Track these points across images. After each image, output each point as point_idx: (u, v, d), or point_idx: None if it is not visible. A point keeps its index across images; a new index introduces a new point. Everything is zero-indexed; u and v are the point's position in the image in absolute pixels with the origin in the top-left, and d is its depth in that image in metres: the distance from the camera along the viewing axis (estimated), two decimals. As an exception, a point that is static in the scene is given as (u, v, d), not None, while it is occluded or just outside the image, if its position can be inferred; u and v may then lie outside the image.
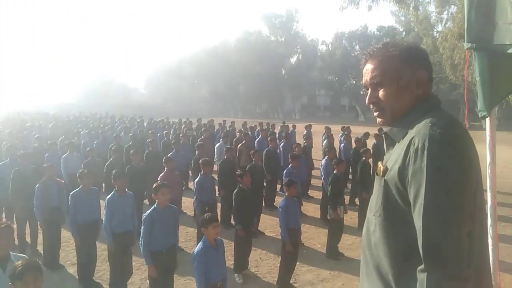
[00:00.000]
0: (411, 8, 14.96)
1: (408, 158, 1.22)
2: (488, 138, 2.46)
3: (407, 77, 1.36)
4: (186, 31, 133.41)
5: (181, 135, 12.44)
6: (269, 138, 10.12)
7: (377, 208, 1.35)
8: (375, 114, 1.46)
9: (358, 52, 47.95)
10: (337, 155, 9.91)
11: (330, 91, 51.80)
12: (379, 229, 1.33)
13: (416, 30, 37.40)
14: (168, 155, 7.68)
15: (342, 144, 11.48)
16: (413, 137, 1.24)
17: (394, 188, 1.28)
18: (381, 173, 1.35)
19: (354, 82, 48.99)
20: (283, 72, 50.33)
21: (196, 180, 6.48)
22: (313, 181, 10.69)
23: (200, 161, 6.86)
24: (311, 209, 8.67)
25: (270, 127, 15.58)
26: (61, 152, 8.83)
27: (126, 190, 5.04)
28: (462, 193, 1.17)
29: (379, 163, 1.42)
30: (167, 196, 4.34)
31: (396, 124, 1.39)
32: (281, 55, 48.28)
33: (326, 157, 8.23)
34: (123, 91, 64.55)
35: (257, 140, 11.63)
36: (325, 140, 12.43)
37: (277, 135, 13.86)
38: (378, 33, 46.75)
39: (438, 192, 1.15)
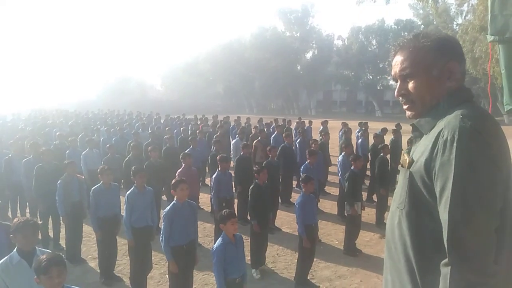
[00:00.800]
0: (430, 1, 14.61)
1: (436, 150, 1.20)
2: None
3: (439, 68, 1.33)
4: (201, 28, 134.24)
5: (197, 131, 12.51)
6: (284, 134, 10.09)
7: (402, 200, 1.33)
8: (405, 107, 1.43)
9: (375, 46, 47.33)
10: (354, 151, 9.82)
11: (346, 86, 51.25)
12: (404, 222, 1.31)
13: (435, 23, 36.49)
14: (186, 151, 7.75)
15: (360, 140, 11.37)
16: (442, 129, 1.21)
17: (420, 181, 1.26)
18: (407, 165, 1.33)
19: (370, 77, 48.37)
20: (299, 67, 50.01)
21: (214, 176, 6.52)
22: (330, 178, 10.64)
23: (217, 157, 6.90)
24: (328, 206, 8.63)
25: (286, 123, 15.53)
26: (81, 149, 9.01)
27: (145, 186, 5.11)
28: (491, 188, 1.14)
29: (405, 154, 1.39)
30: (186, 192, 4.38)
31: (425, 116, 1.37)
32: (297, 50, 47.96)
33: (343, 153, 8.16)
34: (140, 88, 65.45)
35: (272, 136, 11.62)
36: (342, 136, 12.33)
37: (293, 131, 13.83)
38: (396, 27, 45.88)
39: (466, 186, 1.13)
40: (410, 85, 1.37)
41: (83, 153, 8.54)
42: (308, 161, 7.57)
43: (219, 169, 6.54)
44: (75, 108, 29.77)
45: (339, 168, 8.03)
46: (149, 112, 23.09)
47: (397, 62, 1.42)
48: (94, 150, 8.81)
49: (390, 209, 1.45)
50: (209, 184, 8.20)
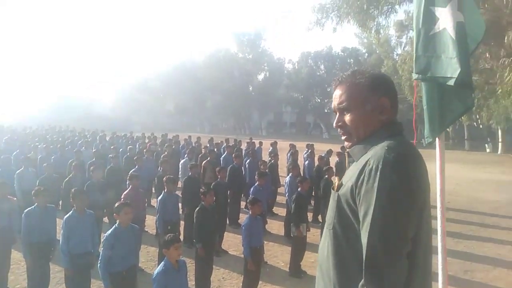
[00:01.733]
0: (372, 31, 15.64)
1: (362, 177, 1.29)
2: (438, 161, 2.60)
3: (372, 103, 1.44)
4: (154, 45, 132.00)
5: (144, 150, 12.18)
6: (234, 155, 10.14)
7: (330, 221, 1.42)
8: (343, 137, 1.54)
9: (323, 71, 49.56)
10: (302, 172, 10.08)
11: (296, 108, 52.92)
12: (331, 242, 1.39)
13: (377, 52, 39.20)
14: (132, 172, 7.50)
15: (307, 162, 11.70)
16: (369, 158, 1.31)
17: (346, 204, 1.36)
18: (336, 187, 1.43)
19: (319, 100, 50.35)
20: (251, 88, 50.98)
21: (159, 198, 6.35)
22: (278, 198, 10.78)
23: (164, 178, 6.74)
24: (276, 227, 8.71)
25: (236, 143, 15.60)
26: (15, 167, 8.40)
27: (86, 209, 4.85)
28: (406, 217, 1.25)
29: (336, 178, 1.50)
30: (130, 216, 4.23)
31: (356, 146, 1.48)
32: (249, 72, 48.95)
33: (290, 174, 8.35)
34: (86, 103, 62.58)
35: (222, 156, 11.61)
36: (290, 157, 12.63)
37: (243, 152, 13.93)
38: (342, 53, 48.56)
39: (385, 212, 1.23)
40: (347, 117, 1.48)
41: (17, 172, 7.96)
42: (257, 182, 7.65)
43: (165, 190, 6.40)
44: (11, 123, 27.75)
45: (286, 189, 8.19)
46: (94, 129, 22.12)
47: (336, 96, 1.53)
48: (30, 169, 8.24)
49: (324, 230, 1.53)
50: (155, 205, 7.96)
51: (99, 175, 7.36)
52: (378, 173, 1.25)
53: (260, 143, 16.04)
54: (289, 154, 13.67)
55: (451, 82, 2.28)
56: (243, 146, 15.76)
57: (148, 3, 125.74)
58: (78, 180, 7.70)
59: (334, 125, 1.55)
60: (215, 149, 12.80)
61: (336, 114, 1.53)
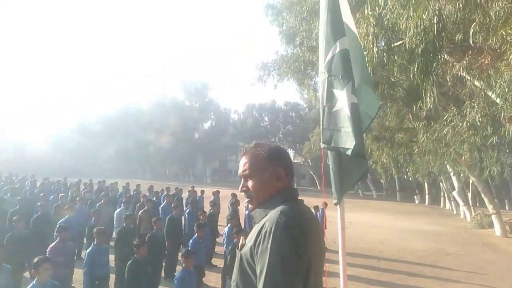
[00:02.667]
0: (310, 89, 16.91)
1: (259, 239, 1.48)
2: (339, 221, 2.92)
3: (269, 171, 1.68)
4: (96, 87, 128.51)
5: (78, 198, 11.53)
6: (173, 205, 9.97)
7: (235, 277, 1.58)
8: (246, 200, 1.76)
9: (267, 123, 51.56)
10: (242, 222, 10.12)
11: (241, 157, 53.53)
12: None
13: (317, 107, 41.79)
14: (60, 223, 7.07)
15: (247, 211, 11.77)
16: (266, 221, 1.52)
17: (246, 263, 1.53)
18: (239, 247, 1.61)
19: (263, 149, 51.57)
20: (196, 136, 51.10)
21: (88, 250, 6.01)
22: (217, 249, 10.62)
23: (94, 230, 6.44)
24: (213, 279, 8.50)
25: (177, 192, 15.34)
26: None
27: (4, 263, 4.48)
28: (293, 274, 1.43)
29: (242, 238, 1.68)
30: (49, 272, 3.97)
31: (258, 209, 1.68)
32: (195, 119, 49.37)
33: (229, 225, 8.36)
34: (16, 145, 58.21)
35: (161, 206, 11.34)
36: (231, 207, 12.63)
37: (184, 200, 13.71)
38: (285, 107, 51.26)
39: (275, 270, 1.41)
40: (249, 183, 1.71)
41: None
42: (196, 234, 7.55)
43: (95, 242, 6.10)
44: None
45: (224, 240, 8.16)
46: (23, 174, 20.53)
47: (241, 164, 1.76)
48: None
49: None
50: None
51: (22, 225, 6.83)
52: (271, 235, 1.44)
53: (202, 192, 15.92)
54: (229, 204, 13.68)
55: (349, 152, 2.67)
56: (184, 195, 15.51)
57: (96, 45, 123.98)
58: (-3, 231, 7.06)
59: (239, 189, 1.76)
60: (154, 198, 12.48)
61: (241, 180, 1.75)
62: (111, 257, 6.86)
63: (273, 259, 1.41)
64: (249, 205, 1.75)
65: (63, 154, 55.73)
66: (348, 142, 2.67)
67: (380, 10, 7.70)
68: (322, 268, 1.61)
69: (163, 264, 8.06)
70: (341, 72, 2.81)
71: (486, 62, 8.35)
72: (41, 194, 11.94)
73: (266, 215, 1.58)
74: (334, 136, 2.78)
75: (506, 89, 7.73)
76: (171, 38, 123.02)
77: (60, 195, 12.42)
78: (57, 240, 6.15)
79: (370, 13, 7.54)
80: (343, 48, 2.86)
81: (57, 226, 6.56)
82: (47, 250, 5.73)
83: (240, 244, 1.63)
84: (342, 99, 2.78)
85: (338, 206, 2.87)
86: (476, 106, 9.03)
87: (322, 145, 2.86)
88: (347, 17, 3.05)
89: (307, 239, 1.51)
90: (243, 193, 1.75)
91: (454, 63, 9.29)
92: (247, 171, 1.71)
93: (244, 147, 1.81)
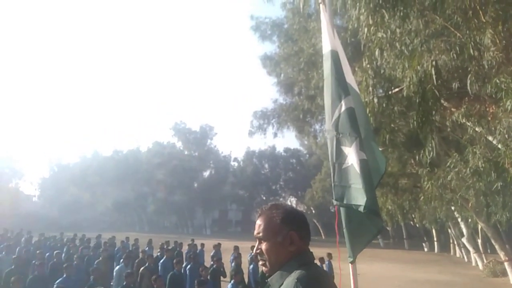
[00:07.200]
0: (310, 136, 17.05)
1: None
2: (351, 278, 2.87)
3: (282, 235, 1.64)
4: (94, 137, 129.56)
5: (75, 256, 11.11)
6: (174, 261, 9.58)
7: None
8: (260, 263, 1.70)
9: (267, 170, 51.35)
10: (246, 277, 9.67)
11: (242, 206, 52.85)
12: None
13: (317, 153, 41.90)
14: (59, 283, 6.74)
15: (251, 265, 11.30)
16: None
17: None
18: None
19: (264, 198, 51.01)
20: (195, 185, 50.61)
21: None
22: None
23: (93, 291, 6.12)
24: None
25: (177, 246, 14.87)
26: None
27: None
28: None
29: None
30: None
31: (274, 275, 1.64)
32: (194, 168, 49.13)
33: (232, 281, 7.98)
34: (13, 198, 57.48)
35: (161, 262, 10.91)
36: (233, 261, 12.16)
37: (184, 255, 13.24)
38: (285, 154, 51.28)
39: None
40: (263, 246, 1.67)
41: None
42: (196, 291, 7.16)
43: (94, 305, 5.76)
44: None
45: (229, 298, 7.74)
46: (19, 230, 19.99)
47: (256, 226, 1.72)
48: None
49: None
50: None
51: (19, 286, 6.51)
52: None
53: (202, 245, 15.43)
54: (232, 258, 13.19)
55: (361, 209, 2.65)
56: (184, 249, 15.01)
57: (93, 92, 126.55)
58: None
59: (253, 251, 1.77)
60: (159, 253, 12.03)
61: (256, 241, 1.71)
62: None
63: None
64: (263, 268, 1.71)
65: (58, 207, 54.86)
66: (359, 198, 2.68)
67: (377, 63, 7.95)
68: None
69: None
70: (348, 130, 2.89)
71: (483, 109, 8.47)
72: (37, 252, 11.54)
73: (283, 283, 1.55)
74: (346, 193, 2.79)
75: (506, 135, 7.76)
76: (169, 84, 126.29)
77: (55, 252, 11.99)
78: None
79: (368, 66, 7.78)
80: (349, 106, 2.96)
81: (55, 287, 6.26)
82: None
83: None
84: (351, 156, 2.82)
85: (350, 271, 2.80)
86: (478, 152, 9.02)
87: (335, 202, 2.86)
88: (349, 77, 3.18)
89: None
90: (258, 256, 1.73)
91: (453, 109, 9.43)
92: (260, 234, 1.69)
93: (260, 208, 1.78)
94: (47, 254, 11.94)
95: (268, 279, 1.66)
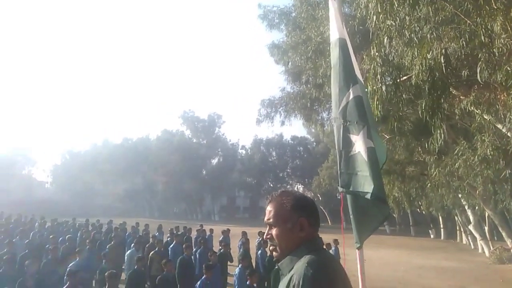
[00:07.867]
0: (318, 125, 17.02)
1: None
2: (358, 264, 2.93)
3: (292, 222, 1.69)
4: (105, 125, 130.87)
5: (88, 240, 11.41)
6: (184, 246, 9.81)
7: None
8: (271, 248, 1.75)
9: (275, 157, 51.51)
10: (254, 262, 9.87)
11: (249, 193, 53.27)
12: None
13: (324, 141, 41.83)
14: (71, 266, 6.97)
15: (260, 251, 11.48)
16: (293, 274, 1.54)
17: None
18: None
19: (271, 185, 51.31)
20: (204, 172, 51.07)
21: (100, 296, 5.89)
22: (229, 289, 10.32)
23: (106, 273, 6.33)
24: (225, 324, 8.22)
25: (186, 231, 15.14)
26: None
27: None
28: None
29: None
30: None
31: (284, 260, 1.69)
32: (203, 156, 49.54)
33: (240, 266, 8.16)
34: (26, 185, 58.66)
35: (170, 246, 11.17)
36: (241, 247, 12.37)
37: (193, 240, 13.49)
38: (292, 142, 51.34)
39: None
40: (273, 232, 1.72)
41: None
42: (204, 276, 7.36)
43: (106, 286, 5.97)
44: None
45: (236, 282, 7.93)
46: (31, 216, 20.45)
47: (266, 212, 1.78)
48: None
49: None
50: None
51: (33, 270, 6.74)
52: None
53: (211, 231, 15.69)
54: (240, 243, 13.41)
55: (368, 196, 2.70)
56: (193, 234, 15.29)
57: (103, 81, 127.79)
58: (6, 277, 6.96)
59: (264, 236, 1.78)
60: (169, 238, 12.30)
61: (267, 227, 1.77)
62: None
63: None
64: (274, 253, 1.75)
65: (71, 193, 55.92)
66: (366, 185, 2.71)
67: (385, 51, 7.90)
68: None
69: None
70: (356, 118, 2.91)
71: (493, 97, 8.40)
72: (51, 236, 11.88)
73: (293, 267, 1.60)
74: (352, 180, 2.82)
75: (515, 123, 7.71)
76: (177, 73, 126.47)
77: (67, 236, 12.33)
78: (67, 285, 6.05)
79: (376, 54, 7.73)
80: (357, 95, 2.97)
81: (67, 270, 6.47)
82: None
83: None
84: (359, 144, 2.84)
85: (357, 255, 2.86)
86: (486, 140, 8.99)
87: (341, 189, 2.89)
88: (356, 67, 3.18)
89: (336, 287, 1.53)
90: (268, 241, 1.76)
91: (461, 97, 9.37)
92: (271, 220, 1.73)
93: (270, 195, 1.83)
94: (60, 238, 12.28)
95: (278, 264, 1.72)
